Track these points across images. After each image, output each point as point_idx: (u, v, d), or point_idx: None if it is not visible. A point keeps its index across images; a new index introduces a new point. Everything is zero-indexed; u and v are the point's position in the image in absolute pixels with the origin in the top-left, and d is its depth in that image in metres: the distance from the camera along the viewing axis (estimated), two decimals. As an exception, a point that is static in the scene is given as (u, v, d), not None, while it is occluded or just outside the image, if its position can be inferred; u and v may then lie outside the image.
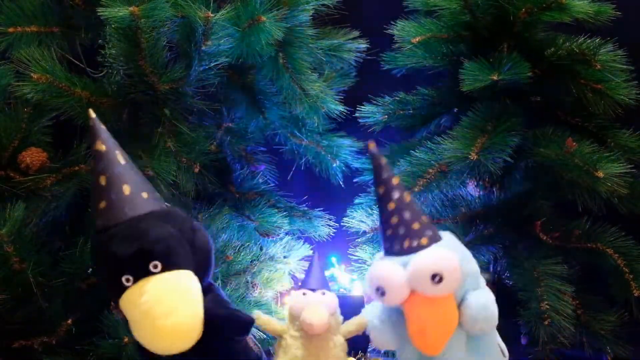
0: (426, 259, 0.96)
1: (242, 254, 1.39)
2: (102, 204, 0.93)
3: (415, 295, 0.97)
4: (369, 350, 1.33)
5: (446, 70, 1.47)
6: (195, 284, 0.94)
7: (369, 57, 1.53)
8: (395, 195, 0.99)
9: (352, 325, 1.07)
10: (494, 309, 1.00)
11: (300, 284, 1.10)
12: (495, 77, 1.28)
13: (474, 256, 1.05)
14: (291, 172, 1.59)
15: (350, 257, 1.45)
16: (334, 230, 1.53)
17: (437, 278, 0.94)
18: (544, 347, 1.26)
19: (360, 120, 1.50)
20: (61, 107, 1.22)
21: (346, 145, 1.54)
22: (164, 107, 1.26)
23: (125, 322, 1.16)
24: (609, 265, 1.31)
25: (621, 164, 1.27)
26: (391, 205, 0.99)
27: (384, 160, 1.00)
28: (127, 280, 0.91)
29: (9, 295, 1.16)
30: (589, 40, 1.35)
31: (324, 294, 1.07)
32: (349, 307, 1.13)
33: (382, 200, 1.00)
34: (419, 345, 0.98)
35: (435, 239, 0.99)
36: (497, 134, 1.30)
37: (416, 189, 1.31)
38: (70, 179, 1.24)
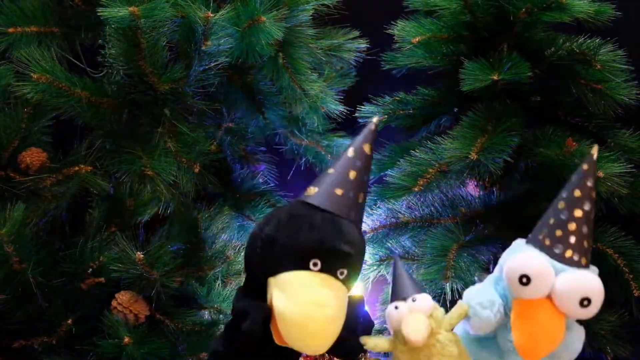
0: (586, 281, 0.95)
1: (242, 254, 1.39)
2: (339, 191, 0.94)
3: (546, 301, 0.95)
4: (369, 350, 1.33)
5: (446, 70, 1.47)
6: (346, 297, 0.95)
7: (369, 57, 1.53)
8: (587, 206, 0.98)
9: (455, 317, 1.03)
10: (579, 348, 1.01)
11: (390, 296, 1.07)
12: (495, 77, 1.28)
13: (474, 256, 1.06)
14: (291, 172, 1.59)
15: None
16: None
17: (585, 303, 0.94)
18: (544, 347, 1.26)
19: (360, 120, 1.50)
20: (61, 107, 1.22)
21: (346, 145, 1.53)
22: (164, 107, 1.26)
23: (124, 321, 1.17)
24: (609, 265, 1.31)
25: (621, 164, 1.27)
26: (578, 213, 0.97)
27: (594, 170, 0.99)
28: (315, 264, 0.91)
29: (9, 295, 1.16)
30: (589, 40, 1.35)
31: (414, 300, 1.03)
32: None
33: (571, 202, 0.98)
34: (524, 349, 0.96)
35: (589, 265, 0.99)
36: (497, 134, 1.30)
37: (416, 189, 1.31)
38: (70, 179, 1.24)
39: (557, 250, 0.97)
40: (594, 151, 0.99)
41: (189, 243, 1.31)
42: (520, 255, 0.98)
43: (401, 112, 1.50)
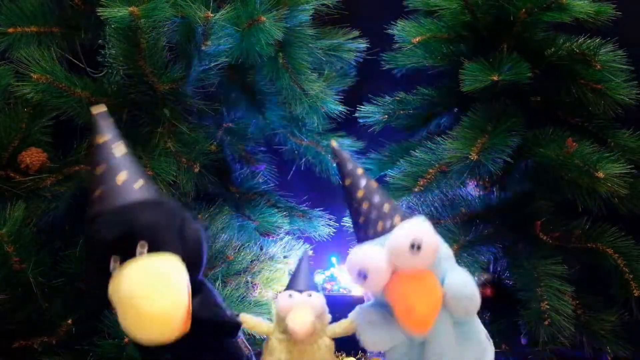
0: (402, 231, 0.96)
1: (242, 254, 1.39)
2: (97, 193, 0.93)
3: (397, 275, 0.96)
4: (369, 350, 1.33)
5: (446, 70, 1.47)
6: (181, 270, 0.92)
7: (369, 57, 1.53)
8: (362, 182, 1.02)
9: (339, 328, 1.05)
10: (474, 286, 0.99)
11: (287, 284, 1.09)
12: (495, 78, 1.28)
13: (474, 256, 1.06)
14: (291, 172, 1.59)
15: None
16: (334, 230, 1.53)
17: (415, 246, 0.94)
18: (544, 347, 1.26)
19: (360, 120, 1.50)
20: (61, 107, 1.22)
21: (346, 145, 1.54)
22: (164, 107, 1.26)
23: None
24: (609, 265, 1.31)
25: (621, 164, 1.27)
26: (360, 193, 1.01)
27: (346, 154, 1.04)
28: (115, 262, 0.90)
29: (9, 295, 1.16)
30: (589, 40, 1.35)
31: (310, 295, 1.04)
32: (349, 307, 1.13)
33: (350, 190, 1.02)
34: (409, 324, 0.96)
35: (406, 217, 1.00)
36: (497, 134, 1.30)
37: (416, 189, 1.31)
38: (70, 179, 1.24)
39: (371, 232, 0.99)
40: (333, 143, 1.05)
41: (188, 243, 1.31)
42: (348, 258, 0.99)
43: (401, 112, 1.50)
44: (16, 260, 1.13)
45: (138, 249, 0.90)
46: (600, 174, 1.24)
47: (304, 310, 1.02)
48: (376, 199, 1.00)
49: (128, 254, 0.90)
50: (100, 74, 1.28)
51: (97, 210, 0.93)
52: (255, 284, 1.41)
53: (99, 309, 1.19)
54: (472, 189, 1.44)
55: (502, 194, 1.44)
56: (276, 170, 1.58)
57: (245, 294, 1.35)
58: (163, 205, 0.96)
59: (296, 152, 1.54)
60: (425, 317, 0.95)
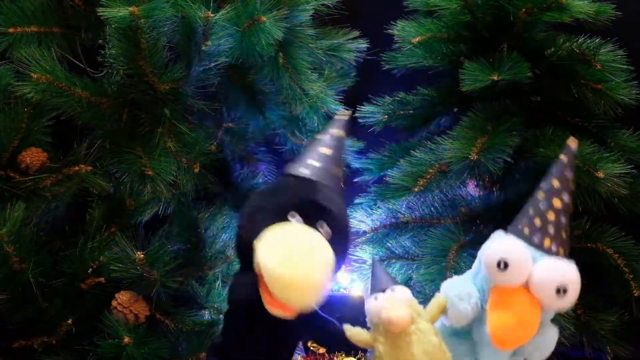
0: (563, 270, 0.96)
1: (242, 254, 1.38)
2: (315, 163, 1.00)
3: (522, 289, 0.96)
4: (368, 350, 1.33)
5: (446, 70, 1.47)
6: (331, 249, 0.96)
7: (369, 57, 1.53)
8: (566, 198, 0.99)
9: (434, 308, 1.04)
10: (552, 347, 1.02)
11: (370, 292, 1.08)
12: (495, 77, 1.28)
13: (474, 256, 1.05)
14: (291, 172, 1.58)
15: (350, 257, 1.45)
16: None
17: (562, 291, 0.94)
18: (544, 347, 1.26)
19: (360, 120, 1.50)
20: (61, 107, 1.22)
21: (346, 145, 1.54)
22: (164, 107, 1.26)
23: (125, 321, 1.17)
24: (609, 265, 1.31)
25: (621, 164, 1.27)
26: (557, 203, 0.98)
27: (573, 162, 1.01)
28: (293, 215, 0.94)
29: (9, 295, 1.16)
30: (589, 40, 1.35)
31: (393, 290, 1.04)
32: (349, 307, 1.13)
33: (550, 193, 0.99)
34: (496, 335, 0.96)
35: (567, 255, 0.99)
36: (497, 134, 1.30)
37: (416, 189, 1.31)
38: (70, 179, 1.24)
39: (535, 239, 0.97)
40: (572, 142, 1.01)
41: (189, 243, 1.31)
42: (499, 242, 0.99)
43: (401, 112, 1.50)
44: (16, 260, 1.13)
45: (318, 225, 0.95)
46: (600, 174, 1.24)
47: (393, 303, 1.02)
48: (564, 220, 0.98)
49: (311, 219, 0.95)
50: (100, 74, 1.28)
51: (313, 175, 0.99)
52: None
53: (100, 309, 1.19)
54: (472, 189, 1.44)
55: (502, 194, 1.44)
56: (276, 170, 1.58)
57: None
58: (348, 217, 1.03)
59: (296, 152, 1.54)
60: (514, 343, 0.97)
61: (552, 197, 0.98)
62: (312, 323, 1.00)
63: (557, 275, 0.95)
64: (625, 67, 1.36)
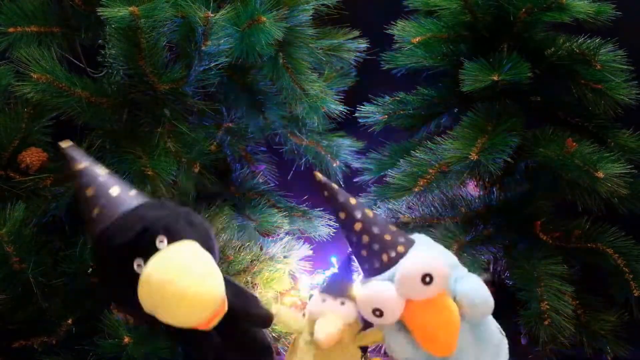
0: (410, 265, 0.96)
1: (242, 254, 1.39)
2: (95, 211, 0.94)
3: (411, 303, 0.97)
4: (369, 350, 1.33)
5: (446, 70, 1.47)
6: (205, 252, 0.93)
7: (369, 57, 1.53)
8: (358, 215, 0.99)
9: (368, 337, 1.05)
10: (485, 289, 1.00)
11: (324, 285, 1.09)
12: (495, 78, 1.28)
13: (474, 256, 1.06)
14: (291, 172, 1.59)
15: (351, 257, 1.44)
16: (334, 230, 1.53)
17: (427, 278, 0.94)
18: (544, 347, 1.26)
19: (360, 120, 1.50)
20: (61, 107, 1.22)
21: (346, 145, 1.54)
22: (164, 107, 1.26)
23: (125, 321, 1.17)
24: (609, 265, 1.31)
25: (621, 164, 1.27)
26: (357, 226, 0.98)
27: (334, 186, 1.01)
28: (139, 265, 0.91)
29: (9, 295, 1.16)
30: (589, 40, 1.35)
31: (343, 303, 1.04)
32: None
33: (347, 224, 1.00)
34: (434, 350, 0.97)
35: (409, 243, 0.99)
36: (497, 134, 1.30)
37: (416, 189, 1.31)
38: (70, 179, 1.24)
39: (377, 265, 0.98)
40: (318, 176, 1.01)
41: (188, 243, 1.31)
42: (358, 297, 0.99)
43: (401, 112, 1.50)
44: (16, 260, 1.13)
45: (157, 243, 0.91)
46: (600, 174, 1.24)
47: (333, 319, 1.02)
48: (375, 229, 0.98)
49: (150, 252, 0.91)
50: (100, 74, 1.28)
51: (102, 226, 0.93)
52: (255, 284, 1.41)
53: (100, 309, 1.19)
54: (472, 189, 1.44)
55: (502, 194, 1.44)
56: (276, 170, 1.58)
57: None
58: (163, 203, 0.98)
59: (296, 152, 1.54)
60: (449, 342, 0.97)
61: (352, 226, 0.99)
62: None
63: (415, 269, 0.95)
64: (625, 67, 1.36)
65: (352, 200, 1.00)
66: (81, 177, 0.96)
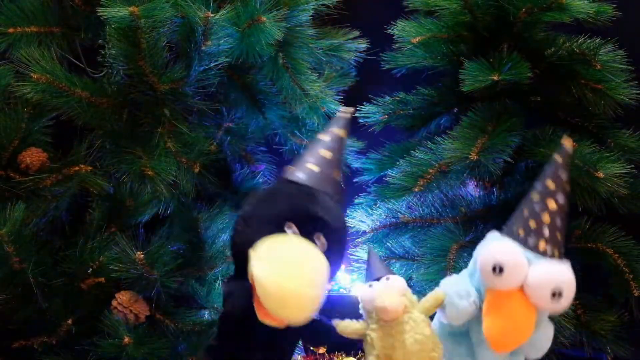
0: (559, 273, 0.96)
1: (242, 254, 1.38)
2: (315, 168, 1.00)
3: (518, 292, 0.96)
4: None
5: (446, 70, 1.47)
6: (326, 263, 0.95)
7: (369, 57, 1.53)
8: (561, 199, 0.98)
9: (430, 301, 1.04)
10: (550, 342, 1.02)
11: (365, 279, 1.09)
12: (495, 77, 1.28)
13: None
14: (291, 172, 1.58)
15: (350, 257, 1.45)
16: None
17: (557, 295, 0.95)
18: (544, 347, 1.26)
19: (360, 120, 1.49)
20: (61, 107, 1.22)
21: (346, 145, 1.53)
22: (164, 107, 1.26)
23: (125, 321, 1.17)
24: (609, 265, 1.31)
25: (621, 164, 1.27)
26: (552, 204, 0.98)
27: (568, 162, 1.00)
28: (290, 227, 0.94)
29: (9, 295, 1.16)
30: (589, 40, 1.35)
31: (388, 279, 1.05)
32: (349, 307, 1.13)
33: (544, 194, 0.98)
34: (494, 340, 0.97)
35: (562, 257, 0.99)
36: (497, 134, 1.30)
37: (416, 189, 1.31)
38: (70, 179, 1.24)
39: (530, 242, 0.97)
40: (566, 142, 1.00)
41: (189, 243, 1.31)
42: (495, 245, 0.99)
43: (401, 112, 1.50)
44: (16, 260, 1.13)
45: (315, 237, 0.95)
46: (600, 174, 1.24)
47: (388, 291, 1.03)
48: (559, 222, 0.98)
49: (307, 231, 0.94)
50: (100, 74, 1.28)
51: (313, 183, 0.99)
52: (255, 284, 1.41)
53: (100, 309, 1.19)
54: (472, 189, 1.44)
55: (502, 194, 1.44)
56: (276, 170, 1.58)
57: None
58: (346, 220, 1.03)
59: (296, 152, 1.54)
60: (512, 346, 0.98)
61: (546, 199, 0.98)
62: (305, 327, 1.00)
63: (553, 279, 0.95)
64: (625, 67, 1.36)
65: (568, 186, 0.99)
66: (336, 141, 1.04)
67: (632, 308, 1.30)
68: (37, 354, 1.18)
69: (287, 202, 0.97)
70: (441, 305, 1.04)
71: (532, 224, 0.98)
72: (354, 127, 1.51)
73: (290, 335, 1.01)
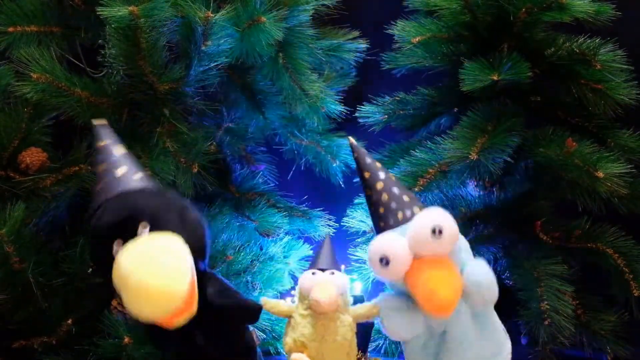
0: (424, 217, 0.99)
1: (242, 254, 1.39)
2: (98, 187, 0.98)
3: (417, 261, 0.98)
4: (369, 350, 1.33)
5: (446, 70, 1.47)
6: (182, 246, 0.91)
7: (369, 57, 1.53)
8: (382, 175, 1.05)
9: (363, 309, 1.07)
10: (493, 277, 1.02)
11: (310, 264, 1.11)
12: (495, 77, 1.28)
13: (474, 256, 1.06)
14: (291, 172, 1.59)
15: (350, 257, 1.45)
16: (334, 230, 1.53)
17: (437, 231, 0.96)
18: (544, 347, 1.26)
19: (360, 120, 1.50)
20: (61, 107, 1.22)
21: (346, 145, 1.54)
22: (163, 107, 1.26)
23: (125, 321, 1.17)
24: (609, 265, 1.31)
25: (621, 164, 1.27)
26: (379, 185, 1.05)
27: (363, 150, 1.08)
28: (118, 244, 0.92)
29: (9, 295, 1.16)
30: (589, 40, 1.35)
31: (333, 273, 1.07)
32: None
33: (369, 183, 1.06)
34: (431, 307, 0.97)
35: (425, 207, 1.03)
36: (497, 134, 1.30)
37: (416, 189, 1.31)
38: (70, 179, 1.24)
39: (391, 222, 1.02)
40: (350, 140, 1.11)
41: (189, 243, 1.31)
42: (368, 247, 1.02)
43: (401, 112, 1.50)
44: (16, 260, 1.13)
45: (139, 229, 0.92)
46: (600, 174, 1.24)
47: (327, 285, 1.04)
48: (396, 190, 1.04)
49: (130, 234, 0.92)
50: (100, 74, 1.28)
51: (98, 201, 0.96)
52: (255, 284, 1.41)
53: (100, 309, 1.19)
54: (472, 189, 1.44)
55: (502, 194, 1.44)
56: (276, 170, 1.58)
57: (245, 294, 1.35)
58: (162, 192, 0.99)
59: (296, 152, 1.54)
60: (448, 299, 0.97)
61: (374, 185, 1.05)
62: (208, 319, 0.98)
63: (422, 223, 0.98)
64: (625, 67, 1.36)
65: (378, 164, 1.07)
66: (98, 153, 1.00)
67: (632, 308, 1.30)
68: (37, 354, 1.18)
69: (98, 234, 0.94)
70: (373, 316, 1.06)
71: (382, 210, 1.04)
72: (354, 127, 1.52)
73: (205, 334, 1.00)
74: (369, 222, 1.42)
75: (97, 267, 0.99)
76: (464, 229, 1.36)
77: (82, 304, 1.22)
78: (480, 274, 1.01)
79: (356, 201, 1.47)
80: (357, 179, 1.51)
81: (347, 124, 1.51)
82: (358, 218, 1.44)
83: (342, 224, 1.45)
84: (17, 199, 1.17)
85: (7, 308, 1.17)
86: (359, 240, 1.42)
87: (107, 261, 0.92)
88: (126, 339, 1.14)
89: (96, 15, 1.17)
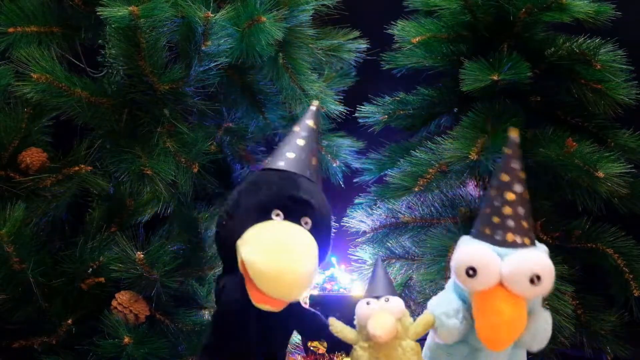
0: (531, 259, 0.96)
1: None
2: (291, 155, 1.03)
3: (499, 288, 0.96)
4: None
5: (446, 70, 1.47)
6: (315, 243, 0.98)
7: (369, 57, 1.53)
8: (518, 188, 0.99)
9: (420, 326, 1.04)
10: (550, 332, 1.02)
11: (365, 292, 1.09)
12: (495, 77, 1.28)
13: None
14: (291, 172, 1.58)
15: (350, 257, 1.45)
16: (334, 230, 1.53)
17: (535, 279, 0.94)
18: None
19: (360, 120, 1.50)
20: (61, 107, 1.22)
21: (346, 145, 1.54)
22: (163, 107, 1.26)
23: (125, 321, 1.17)
24: (609, 265, 1.31)
25: (621, 164, 1.27)
26: (510, 196, 0.98)
27: (518, 152, 1.00)
28: (277, 214, 0.97)
29: (9, 295, 1.16)
30: (589, 40, 1.35)
31: (387, 300, 1.04)
32: (349, 307, 1.13)
33: (501, 188, 0.99)
34: (488, 339, 0.97)
35: (534, 243, 0.99)
36: (497, 134, 1.30)
37: (416, 189, 1.31)
38: (70, 179, 1.24)
39: (497, 237, 0.98)
40: (513, 132, 1.01)
41: (189, 243, 1.31)
42: (462, 249, 1.00)
43: (401, 112, 1.50)
44: (16, 260, 1.13)
45: (302, 221, 0.98)
46: (600, 174, 1.24)
47: (383, 315, 1.02)
48: (521, 210, 0.98)
49: (295, 216, 0.98)
50: (100, 74, 1.28)
51: (291, 168, 1.01)
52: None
53: (100, 309, 1.19)
54: (472, 189, 1.44)
55: (502, 194, 1.44)
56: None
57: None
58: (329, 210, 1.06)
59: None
60: (504, 342, 0.97)
61: (504, 192, 0.99)
62: (299, 316, 1.03)
63: (526, 265, 0.95)
64: (625, 67, 1.36)
65: (522, 174, 1.00)
66: (305, 130, 1.06)
67: (632, 308, 1.30)
68: (37, 354, 1.18)
69: (270, 190, 0.99)
70: (432, 327, 1.04)
71: (496, 219, 0.99)
72: (354, 127, 1.52)
73: (284, 325, 1.03)
74: (369, 221, 1.43)
75: (241, 209, 1.00)
76: (464, 229, 1.37)
77: (82, 304, 1.22)
78: (542, 330, 1.00)
79: (356, 201, 1.47)
80: (357, 179, 1.53)
81: (347, 124, 1.51)
82: (358, 218, 1.44)
83: (342, 224, 1.45)
84: (17, 199, 1.17)
85: (7, 308, 1.17)
86: (359, 240, 1.43)
87: (257, 212, 0.97)
88: (126, 339, 1.14)
89: (96, 15, 1.17)
